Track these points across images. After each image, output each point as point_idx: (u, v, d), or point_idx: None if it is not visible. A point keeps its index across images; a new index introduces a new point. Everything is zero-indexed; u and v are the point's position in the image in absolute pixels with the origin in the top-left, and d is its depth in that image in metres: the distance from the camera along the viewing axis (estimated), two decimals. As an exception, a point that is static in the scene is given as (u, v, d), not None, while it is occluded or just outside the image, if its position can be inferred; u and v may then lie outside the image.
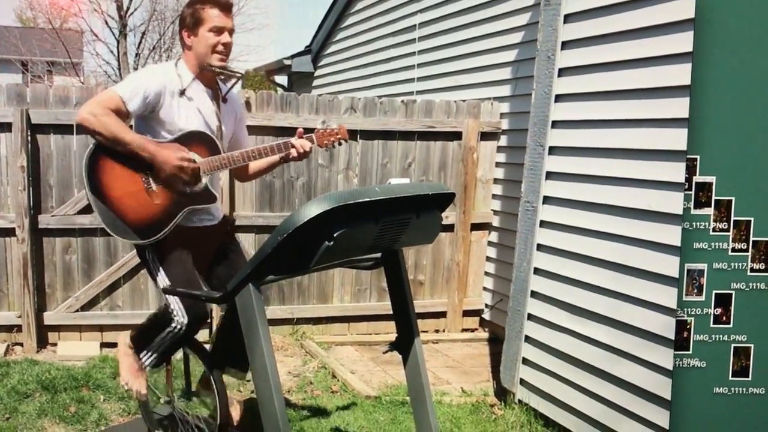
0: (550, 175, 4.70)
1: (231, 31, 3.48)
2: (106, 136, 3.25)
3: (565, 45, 4.57)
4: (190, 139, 3.43)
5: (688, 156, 3.02)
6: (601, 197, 4.30)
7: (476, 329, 7.00)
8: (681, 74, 3.71)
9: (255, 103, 6.06)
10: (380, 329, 6.51)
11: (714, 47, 2.97)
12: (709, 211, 3.02)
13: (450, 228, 6.73)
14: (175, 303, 3.42)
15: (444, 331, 6.89)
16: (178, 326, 3.45)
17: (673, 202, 3.74)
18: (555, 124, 4.64)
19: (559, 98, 4.62)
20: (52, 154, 5.69)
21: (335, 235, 2.42)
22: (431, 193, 2.78)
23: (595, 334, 4.30)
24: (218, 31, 3.41)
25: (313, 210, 2.34)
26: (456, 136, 6.64)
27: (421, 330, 6.58)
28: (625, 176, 4.12)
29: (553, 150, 4.67)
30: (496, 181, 6.80)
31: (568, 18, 4.54)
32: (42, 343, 5.87)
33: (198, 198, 3.47)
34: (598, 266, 4.31)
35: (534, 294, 4.82)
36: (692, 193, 3.02)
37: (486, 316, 6.94)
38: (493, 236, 6.84)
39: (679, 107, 3.73)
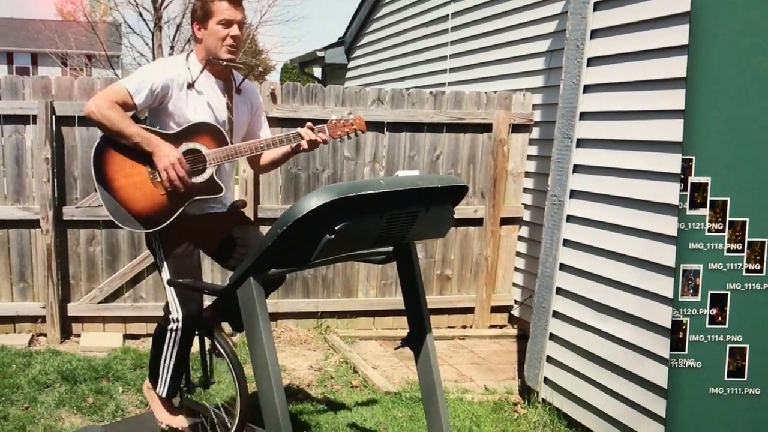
0: (577, 168, 4.58)
1: (241, 24, 3.44)
2: (110, 128, 3.28)
3: (595, 33, 4.45)
4: (198, 131, 3.41)
5: (684, 157, 3.00)
6: (629, 191, 4.18)
7: (505, 326, 6.89)
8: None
9: (280, 95, 6.00)
10: (406, 324, 6.33)
11: (709, 46, 2.94)
12: (705, 211, 3.02)
13: (479, 222, 6.63)
14: (171, 297, 3.47)
15: (471, 327, 6.78)
16: (174, 324, 3.48)
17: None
18: (583, 115, 4.52)
19: (587, 88, 4.50)
20: (76, 146, 5.70)
21: (336, 228, 2.36)
22: (441, 185, 2.69)
23: (620, 332, 4.18)
24: (227, 23, 3.38)
25: (312, 202, 2.29)
26: (486, 128, 6.52)
27: (448, 326, 6.61)
28: (655, 170, 3.99)
29: (581, 142, 4.55)
30: (527, 174, 6.67)
31: (597, 6, 4.42)
32: (65, 333, 5.89)
33: (203, 189, 3.44)
34: (625, 263, 4.19)
35: (559, 291, 4.70)
36: (687, 193, 3.01)
37: (515, 312, 6.82)
38: (524, 231, 6.72)
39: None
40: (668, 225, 3.85)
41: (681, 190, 3.00)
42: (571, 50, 4.59)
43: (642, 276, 4.05)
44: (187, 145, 3.39)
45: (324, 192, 2.31)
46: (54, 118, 5.57)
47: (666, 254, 3.87)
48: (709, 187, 2.98)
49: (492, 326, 6.82)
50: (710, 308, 3.04)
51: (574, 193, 4.62)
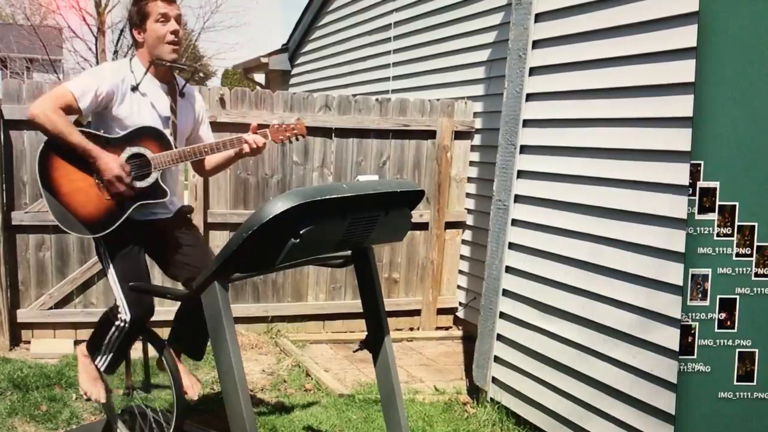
0: (521, 174, 4.72)
1: (178, 19, 3.47)
2: (53, 132, 3.29)
3: (536, 44, 4.59)
4: (142, 135, 3.45)
5: (692, 161, 3.00)
6: (571, 196, 4.33)
7: (450, 327, 7.04)
8: (651, 73, 3.76)
9: (229, 100, 6.06)
10: (355, 327, 6.50)
11: (717, 50, 2.95)
12: (713, 216, 3.00)
13: (424, 226, 6.76)
14: (120, 299, 3.48)
15: (418, 329, 6.91)
16: (122, 323, 3.51)
17: (644, 201, 3.79)
18: (526, 122, 4.67)
19: (530, 97, 4.64)
20: (25, 150, 5.65)
21: (301, 232, 2.41)
22: (400, 190, 2.78)
23: (566, 332, 4.32)
24: (165, 18, 3.42)
25: (278, 206, 2.33)
26: (430, 134, 6.67)
27: (396, 328, 6.71)
28: (596, 175, 4.14)
29: (524, 149, 4.69)
30: (470, 179, 6.83)
31: (539, 17, 4.57)
32: (15, 340, 5.83)
33: (148, 193, 3.49)
34: (569, 265, 4.33)
35: (506, 292, 4.84)
36: (696, 198, 3.00)
37: (460, 314, 6.97)
38: (467, 235, 6.87)
39: (650, 106, 3.77)
40: (610, 228, 4.01)
41: (689, 195, 3.00)
42: (514, 60, 4.73)
43: (585, 277, 4.20)
44: (131, 150, 3.43)
45: (290, 196, 2.36)
46: (2, 121, 5.53)
47: (608, 256, 4.03)
48: (717, 192, 2.98)
49: (438, 328, 6.96)
50: (719, 312, 3.03)
51: (518, 198, 4.76)
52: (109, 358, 3.63)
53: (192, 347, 3.88)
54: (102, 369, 3.68)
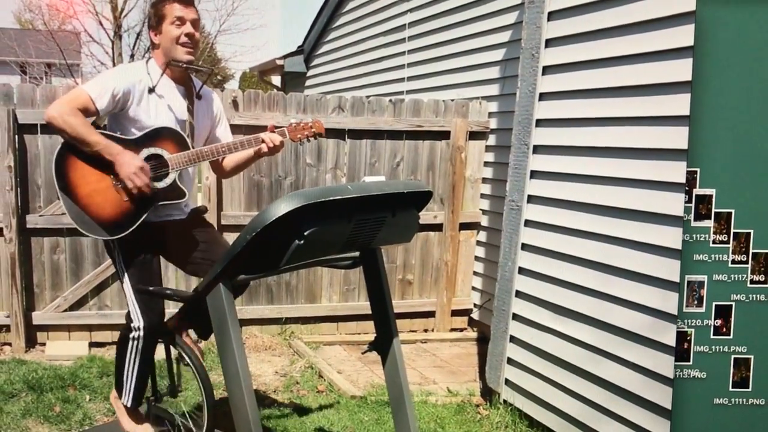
0: (534, 174, 4.69)
1: (194, 23, 3.48)
2: (71, 135, 3.28)
3: (549, 43, 4.56)
4: (159, 136, 3.45)
5: (689, 169, 3.02)
6: (585, 196, 4.29)
7: (465, 329, 7.01)
8: (664, 71, 3.73)
9: (242, 103, 6.06)
10: (369, 329, 6.43)
11: (714, 56, 2.96)
12: (709, 223, 3.02)
13: (439, 227, 6.74)
14: (133, 306, 3.51)
15: (433, 330, 6.89)
16: (136, 333, 3.52)
17: (657, 201, 3.75)
18: (539, 122, 4.64)
19: (543, 96, 4.61)
20: (39, 154, 5.68)
21: (306, 233, 2.40)
22: (406, 191, 2.77)
23: (579, 334, 4.29)
24: (180, 21, 3.43)
25: (282, 208, 2.32)
26: (444, 135, 6.64)
27: (410, 329, 6.69)
28: (609, 175, 4.10)
29: (537, 149, 4.66)
30: (484, 180, 6.80)
31: (551, 15, 4.54)
32: (30, 342, 5.87)
33: (166, 194, 3.48)
34: (582, 266, 4.30)
35: (519, 294, 4.80)
36: (692, 205, 3.02)
37: (475, 315, 6.94)
38: (482, 236, 6.84)
39: (662, 104, 3.74)
40: (623, 228, 3.97)
41: (686, 202, 3.02)
42: (527, 59, 4.70)
43: (598, 278, 4.16)
44: (148, 150, 3.42)
45: (293, 197, 2.35)
46: (16, 126, 5.56)
47: (621, 257, 3.99)
48: (713, 199, 3.00)
49: (452, 329, 6.93)
50: (715, 319, 3.05)
51: (531, 198, 4.72)
52: (132, 389, 3.64)
53: (202, 325, 3.85)
54: (129, 405, 3.68)
